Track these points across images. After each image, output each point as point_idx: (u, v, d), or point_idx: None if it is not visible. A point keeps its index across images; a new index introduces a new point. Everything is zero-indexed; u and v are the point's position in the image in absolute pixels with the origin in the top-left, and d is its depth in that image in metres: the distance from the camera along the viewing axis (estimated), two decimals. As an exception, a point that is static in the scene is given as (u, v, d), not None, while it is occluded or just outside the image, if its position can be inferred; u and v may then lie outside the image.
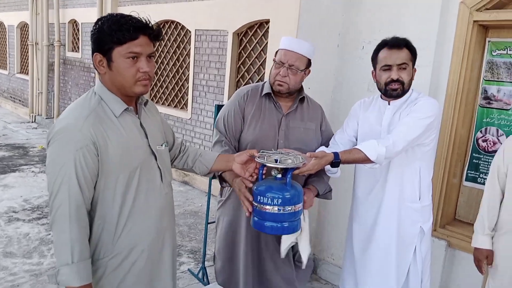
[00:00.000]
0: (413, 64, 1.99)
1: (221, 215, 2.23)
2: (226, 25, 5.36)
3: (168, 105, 6.57)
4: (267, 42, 4.96)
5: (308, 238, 1.98)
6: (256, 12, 4.96)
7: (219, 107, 3.26)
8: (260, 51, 5.09)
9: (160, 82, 6.65)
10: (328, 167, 1.90)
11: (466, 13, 2.45)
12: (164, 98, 6.64)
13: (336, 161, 1.83)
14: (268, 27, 4.92)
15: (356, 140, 2.15)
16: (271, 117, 2.09)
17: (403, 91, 1.97)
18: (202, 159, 1.85)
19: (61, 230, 1.37)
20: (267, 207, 1.72)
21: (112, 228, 1.49)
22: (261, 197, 1.74)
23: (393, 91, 1.97)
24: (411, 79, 1.99)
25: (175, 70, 6.38)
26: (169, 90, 6.51)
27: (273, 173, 1.77)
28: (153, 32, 1.46)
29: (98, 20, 1.46)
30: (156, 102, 6.72)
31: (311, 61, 2.08)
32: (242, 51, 5.36)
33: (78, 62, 8.50)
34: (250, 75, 5.27)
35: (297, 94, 2.13)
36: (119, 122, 1.48)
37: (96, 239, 1.49)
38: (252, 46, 5.20)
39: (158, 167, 1.60)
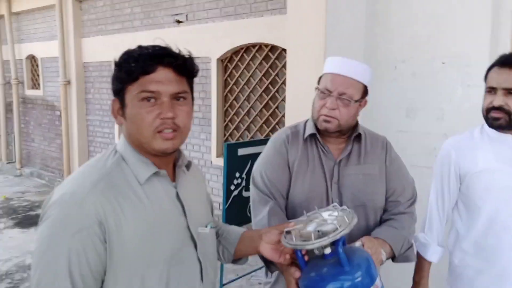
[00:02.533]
0: None
1: None
2: (208, 51, 4.93)
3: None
4: (256, 68, 4.58)
5: None
6: (241, 36, 4.56)
7: (229, 147, 2.81)
8: (249, 77, 4.68)
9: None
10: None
11: (523, 23, 2.13)
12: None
13: None
14: (256, 52, 4.55)
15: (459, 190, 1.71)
16: (320, 166, 1.58)
17: (509, 123, 1.54)
18: (224, 241, 1.36)
19: None
20: None
21: None
22: None
23: (494, 120, 1.56)
24: None
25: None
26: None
27: (316, 252, 1.20)
28: (179, 62, 1.05)
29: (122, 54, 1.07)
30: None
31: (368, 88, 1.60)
32: (228, 78, 4.93)
33: (40, 100, 7.80)
34: (239, 104, 4.83)
35: (351, 132, 1.61)
36: (144, 192, 1.06)
37: None
38: (239, 73, 4.78)
39: (198, 259, 1.15)
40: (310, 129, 1.59)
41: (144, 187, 1.06)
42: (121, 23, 6.01)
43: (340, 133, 1.56)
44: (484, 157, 1.62)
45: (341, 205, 1.52)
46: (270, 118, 4.53)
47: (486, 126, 1.65)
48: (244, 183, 2.95)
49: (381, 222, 1.58)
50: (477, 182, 1.63)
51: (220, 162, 4.84)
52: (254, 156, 3.01)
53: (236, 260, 1.36)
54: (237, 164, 2.87)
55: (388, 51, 2.54)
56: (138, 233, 1.02)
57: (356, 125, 1.61)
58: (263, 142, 3.11)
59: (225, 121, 5.00)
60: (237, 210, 2.91)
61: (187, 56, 1.08)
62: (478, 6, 2.21)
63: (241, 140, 4.87)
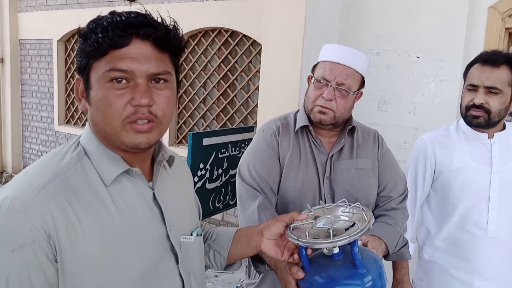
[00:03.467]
0: None
1: None
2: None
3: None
4: (214, 53, 4.40)
5: None
6: (199, 19, 4.35)
7: (194, 136, 2.64)
8: (207, 63, 4.49)
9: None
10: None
11: (498, 20, 2.16)
12: (84, 118, 5.69)
13: None
14: (215, 36, 4.37)
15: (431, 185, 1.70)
16: (312, 160, 1.47)
17: (488, 122, 1.54)
18: (214, 245, 1.17)
19: None
20: None
21: None
22: None
23: (473, 118, 1.55)
24: (507, 108, 1.54)
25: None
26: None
27: (326, 251, 1.08)
28: (159, 34, 0.83)
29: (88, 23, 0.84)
30: (83, 125, 5.73)
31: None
32: (184, 63, 4.70)
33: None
34: (195, 90, 4.63)
35: (344, 125, 1.51)
36: (109, 195, 0.85)
37: None
38: (195, 58, 4.57)
39: (180, 274, 0.95)
40: (302, 121, 1.49)
41: (111, 190, 0.85)
42: (64, -2, 5.54)
43: (334, 126, 1.47)
44: (461, 155, 1.61)
45: (333, 201, 1.45)
46: (228, 107, 4.39)
47: (462, 122, 1.64)
48: (207, 175, 2.80)
49: None
50: (453, 180, 1.62)
51: (174, 150, 4.63)
52: (219, 147, 2.89)
53: (229, 265, 1.20)
54: (201, 154, 2.71)
55: (362, 42, 2.49)
56: (100, 248, 0.81)
57: (349, 118, 1.52)
58: (229, 132, 2.98)
59: (179, 108, 4.77)
60: (200, 203, 2.75)
61: (170, 27, 0.85)
62: (455, 2, 2.22)
63: (196, 129, 4.69)
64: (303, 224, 1.08)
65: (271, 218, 1.16)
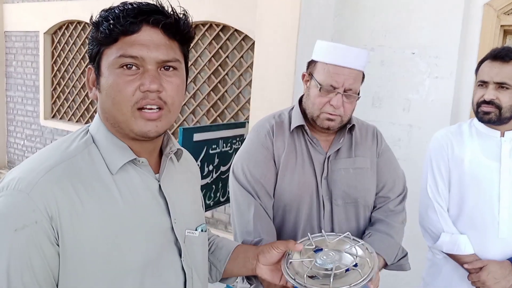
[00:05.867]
0: None
1: None
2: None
3: (77, 121, 5.53)
4: (205, 48, 4.33)
5: None
6: (191, 13, 4.28)
7: (185, 131, 2.58)
8: (197, 58, 4.42)
9: (65, 94, 5.58)
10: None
11: (493, 17, 2.15)
12: (71, 113, 5.58)
13: None
14: (206, 31, 4.30)
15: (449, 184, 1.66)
16: (309, 161, 1.41)
17: (499, 118, 1.53)
18: (212, 257, 1.17)
19: None
20: None
21: None
22: None
23: (484, 114, 1.54)
24: None
25: (83, 81, 5.37)
26: (78, 103, 5.49)
27: None
28: (169, 21, 0.84)
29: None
30: (69, 119, 5.62)
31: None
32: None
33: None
34: (185, 85, 4.55)
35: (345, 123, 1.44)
36: (115, 183, 0.85)
37: None
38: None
39: (183, 268, 0.94)
40: (297, 120, 1.43)
41: (116, 178, 0.85)
42: (51, -11, 5.41)
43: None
44: (471, 150, 1.61)
45: (331, 202, 1.41)
46: (219, 102, 4.33)
47: (475, 120, 1.64)
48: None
49: (370, 219, 1.49)
50: (463, 175, 1.61)
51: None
52: (210, 142, 2.84)
53: (224, 278, 1.18)
54: (191, 150, 2.65)
55: (357, 37, 2.46)
56: (102, 233, 0.80)
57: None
58: (220, 127, 2.93)
59: (169, 103, 4.69)
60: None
61: (180, 15, 0.87)
62: (451, -2, 2.20)
63: (185, 124, 4.63)
64: (302, 261, 1.05)
65: (267, 244, 1.14)
